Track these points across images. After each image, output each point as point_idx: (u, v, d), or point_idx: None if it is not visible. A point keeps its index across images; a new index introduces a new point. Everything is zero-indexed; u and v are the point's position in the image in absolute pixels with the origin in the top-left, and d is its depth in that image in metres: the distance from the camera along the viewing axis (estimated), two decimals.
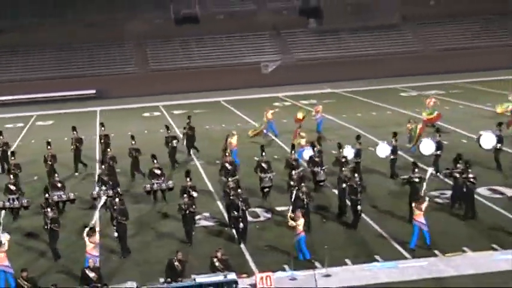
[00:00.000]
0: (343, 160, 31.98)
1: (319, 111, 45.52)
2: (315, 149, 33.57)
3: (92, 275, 21.76)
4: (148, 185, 31.87)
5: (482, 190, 30.56)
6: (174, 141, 38.02)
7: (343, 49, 78.22)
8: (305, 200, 26.96)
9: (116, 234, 25.79)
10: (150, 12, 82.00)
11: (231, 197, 27.14)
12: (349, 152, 33.73)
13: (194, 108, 59.48)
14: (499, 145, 34.29)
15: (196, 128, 44.17)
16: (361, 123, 47.23)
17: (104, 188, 30.74)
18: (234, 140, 37.01)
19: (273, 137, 44.20)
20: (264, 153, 32.56)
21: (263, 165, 31.70)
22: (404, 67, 73.58)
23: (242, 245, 25.93)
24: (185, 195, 27.22)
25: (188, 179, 29.13)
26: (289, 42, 79.39)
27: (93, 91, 71.80)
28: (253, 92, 67.01)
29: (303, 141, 36.06)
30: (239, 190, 27.00)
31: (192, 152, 40.81)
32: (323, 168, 32.32)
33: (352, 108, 54.80)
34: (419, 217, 24.68)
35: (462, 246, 24.60)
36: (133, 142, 36.55)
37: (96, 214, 25.92)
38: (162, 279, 22.11)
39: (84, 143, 39.76)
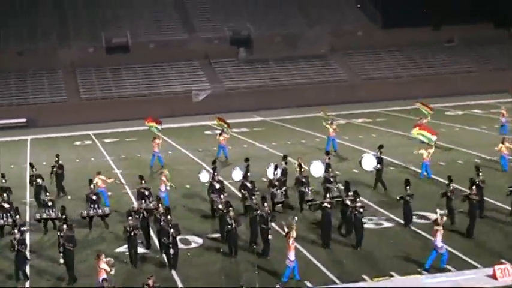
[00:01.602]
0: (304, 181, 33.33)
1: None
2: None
3: None
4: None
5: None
6: (39, 180, 36.39)
7: (272, 78, 79.24)
8: (233, 224, 27.53)
9: (61, 260, 25.90)
10: (82, 41, 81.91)
11: (162, 223, 27.36)
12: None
13: (125, 136, 59.72)
14: (379, 166, 36.77)
15: (127, 156, 44.42)
16: (291, 150, 47.91)
17: None
18: (99, 181, 35.28)
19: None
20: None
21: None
22: (331, 96, 74.98)
23: (173, 272, 26.20)
24: (130, 218, 27.55)
25: (143, 201, 29.89)
26: (220, 71, 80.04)
27: (24, 120, 71.18)
28: (184, 121, 67.42)
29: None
30: (169, 216, 27.20)
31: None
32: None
33: (282, 136, 55.63)
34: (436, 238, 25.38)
35: (389, 270, 25.31)
36: (3, 180, 35.65)
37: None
38: None
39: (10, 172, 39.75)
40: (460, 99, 70.53)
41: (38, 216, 31.72)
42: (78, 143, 58.40)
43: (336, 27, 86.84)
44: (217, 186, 32.91)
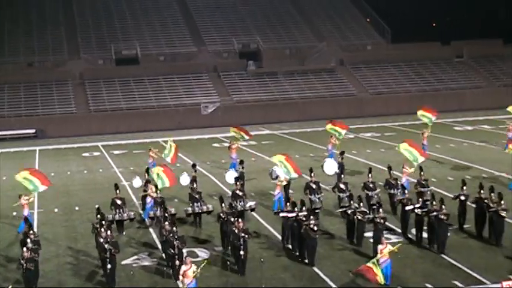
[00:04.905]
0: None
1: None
2: None
3: None
4: (112, 216, 32.08)
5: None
6: None
7: (280, 91, 79.29)
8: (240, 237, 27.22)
9: (109, 266, 25.72)
10: (91, 53, 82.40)
11: (167, 235, 27.04)
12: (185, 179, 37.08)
13: (134, 148, 59.75)
14: (338, 170, 39.07)
15: (136, 168, 44.22)
16: (300, 164, 47.61)
17: None
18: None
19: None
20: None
21: (312, 186, 33.85)
22: (340, 110, 75.11)
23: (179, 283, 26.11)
24: (166, 223, 27.78)
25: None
26: (228, 84, 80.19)
27: (33, 131, 71.48)
28: (193, 133, 67.53)
29: None
30: (174, 228, 27.22)
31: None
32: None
33: (290, 150, 55.45)
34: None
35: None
36: None
37: None
38: None
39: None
40: (468, 115, 70.55)
41: (190, 210, 32.85)
42: (86, 154, 58.50)
43: (345, 41, 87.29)
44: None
